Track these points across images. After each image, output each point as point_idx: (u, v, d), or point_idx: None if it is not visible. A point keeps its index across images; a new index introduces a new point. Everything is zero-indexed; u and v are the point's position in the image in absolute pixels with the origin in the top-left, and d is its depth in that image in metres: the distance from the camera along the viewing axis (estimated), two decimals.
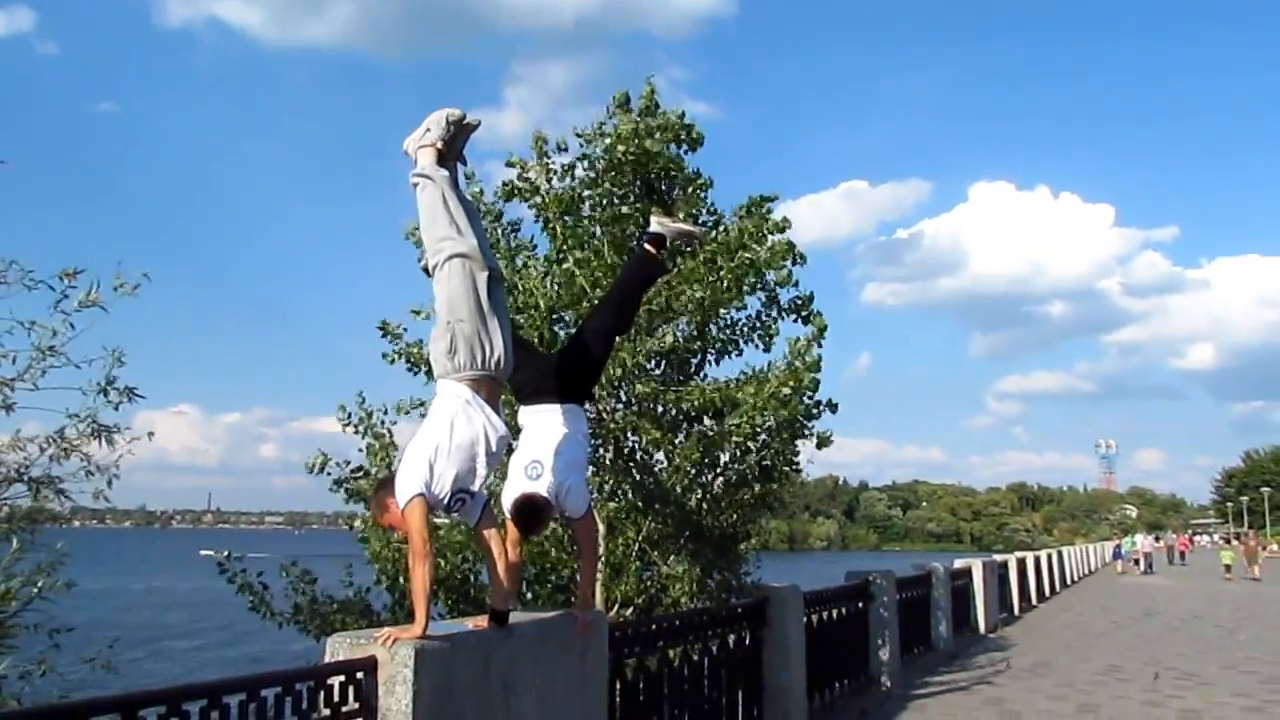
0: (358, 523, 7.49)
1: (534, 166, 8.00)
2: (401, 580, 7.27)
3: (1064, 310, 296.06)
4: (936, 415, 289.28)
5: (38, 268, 5.57)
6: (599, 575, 7.13)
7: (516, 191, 7.97)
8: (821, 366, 7.61)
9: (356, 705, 3.64)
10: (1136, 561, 39.48)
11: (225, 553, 7.42)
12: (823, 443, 7.85)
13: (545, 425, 4.67)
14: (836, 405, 8.13)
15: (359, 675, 3.66)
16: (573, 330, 6.99)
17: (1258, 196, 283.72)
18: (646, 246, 5.06)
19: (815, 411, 7.66)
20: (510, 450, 4.58)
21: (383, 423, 8.03)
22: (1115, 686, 10.46)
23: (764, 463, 7.70)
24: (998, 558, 19.14)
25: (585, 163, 7.76)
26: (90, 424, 5.45)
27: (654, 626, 5.97)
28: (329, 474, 7.86)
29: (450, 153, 4.43)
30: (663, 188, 7.85)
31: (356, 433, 7.96)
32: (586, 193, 7.64)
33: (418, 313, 8.18)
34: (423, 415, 8.16)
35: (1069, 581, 29.44)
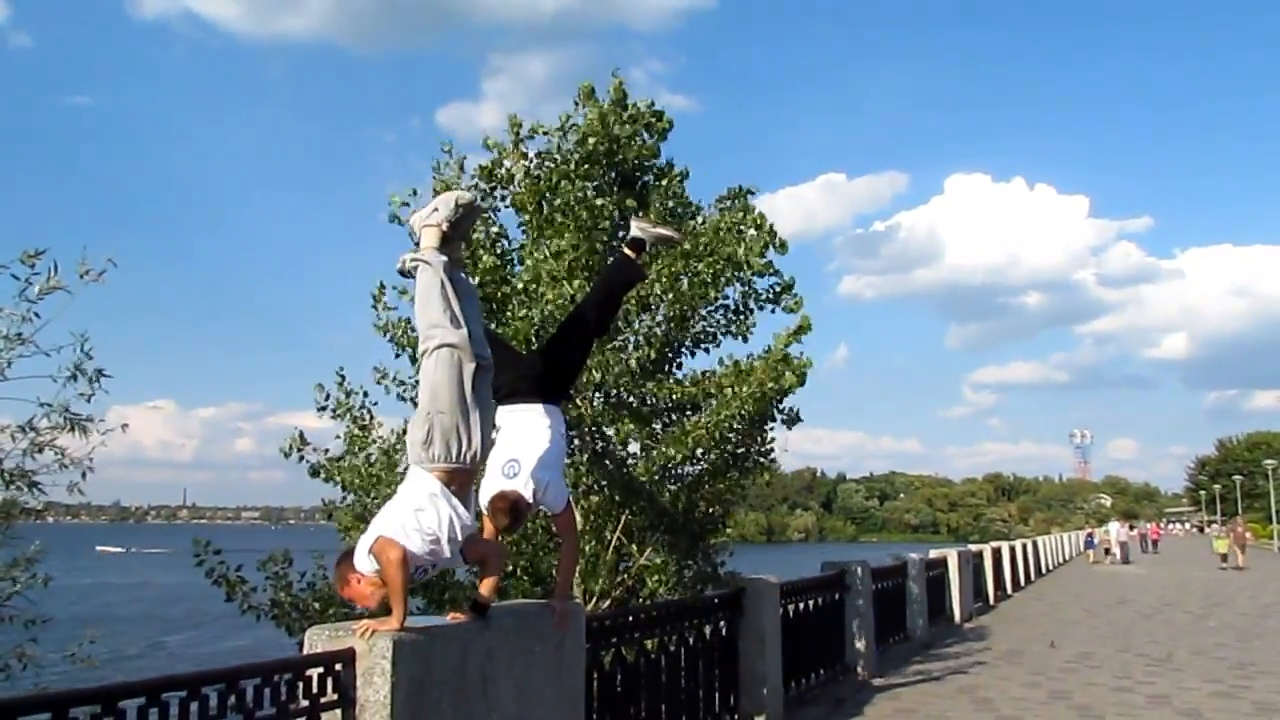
0: (344, 518, 7.45)
1: (510, 154, 7.99)
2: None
3: (1040, 301, 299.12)
4: (913, 407, 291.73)
5: (5, 259, 5.52)
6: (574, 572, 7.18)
7: (494, 178, 7.97)
8: (806, 373, 7.65)
9: (335, 696, 3.68)
10: (1107, 550, 39.01)
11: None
12: (791, 421, 7.89)
13: (523, 424, 4.73)
14: (798, 416, 8.20)
15: (338, 667, 3.70)
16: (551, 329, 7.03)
17: (1230, 186, 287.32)
18: (626, 251, 5.10)
19: (786, 392, 7.66)
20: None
21: (363, 406, 8.00)
22: (1086, 673, 10.63)
23: (737, 450, 7.76)
24: (972, 548, 19.34)
25: (559, 155, 7.74)
26: (62, 413, 5.42)
27: (631, 618, 6.02)
28: (305, 460, 7.87)
29: (455, 234, 4.47)
30: (637, 178, 7.86)
31: (335, 417, 7.95)
32: (563, 183, 7.63)
33: (404, 293, 8.12)
34: (401, 396, 8.23)
35: (1043, 571, 29.76)
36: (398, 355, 8.02)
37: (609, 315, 5.49)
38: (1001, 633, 14.50)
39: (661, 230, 5.11)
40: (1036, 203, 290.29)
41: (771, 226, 7.92)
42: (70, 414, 5.43)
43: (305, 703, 3.59)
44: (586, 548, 6.75)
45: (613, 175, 7.67)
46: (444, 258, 4.32)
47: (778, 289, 8.29)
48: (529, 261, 7.56)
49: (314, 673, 3.64)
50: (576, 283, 7.08)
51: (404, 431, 7.96)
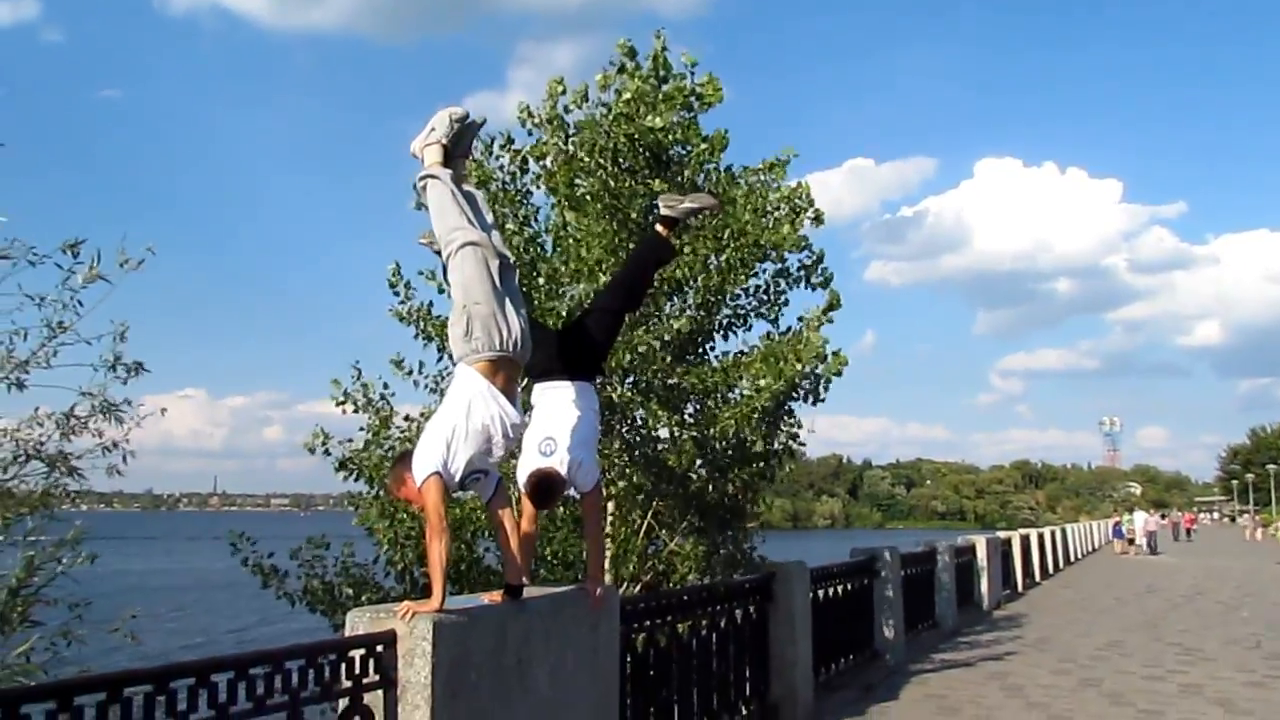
0: (371, 512, 7.50)
1: (544, 122, 7.88)
2: (415, 569, 7.36)
3: (1069, 287, 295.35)
4: (940, 393, 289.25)
5: (44, 250, 5.61)
6: (606, 553, 7.21)
7: (525, 158, 7.90)
8: (843, 369, 7.59)
9: (376, 677, 3.75)
10: (1131, 540, 37.87)
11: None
12: (812, 395, 7.83)
13: (557, 402, 4.76)
14: (820, 392, 8.12)
15: (379, 648, 3.77)
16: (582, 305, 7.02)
17: (1267, 171, 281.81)
18: (658, 229, 5.12)
19: (814, 375, 7.61)
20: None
21: (382, 397, 8.00)
22: (1117, 661, 10.59)
23: (767, 435, 7.75)
24: (1001, 535, 19.25)
25: (588, 139, 7.66)
26: (101, 400, 5.52)
27: (663, 601, 6.07)
28: (329, 453, 7.92)
29: (456, 150, 4.51)
30: (670, 156, 7.77)
31: (356, 411, 7.98)
32: (596, 161, 7.54)
33: (430, 276, 8.12)
34: (429, 388, 8.24)
35: (1071, 559, 29.57)
36: (425, 345, 8.05)
37: (640, 293, 5.51)
38: (1031, 620, 14.45)
39: (690, 204, 5.09)
40: (1068, 187, 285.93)
41: (810, 196, 7.84)
42: (107, 401, 5.53)
43: (348, 683, 3.66)
44: (617, 533, 6.77)
45: (646, 155, 7.61)
46: (449, 171, 4.37)
47: (808, 263, 8.25)
48: (558, 245, 7.56)
49: (356, 654, 3.70)
50: (607, 269, 7.08)
51: (424, 416, 8.02)
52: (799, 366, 7.42)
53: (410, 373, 8.18)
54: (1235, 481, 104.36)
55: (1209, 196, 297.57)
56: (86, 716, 2.81)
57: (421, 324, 7.97)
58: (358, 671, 3.69)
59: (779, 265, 8.23)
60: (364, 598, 7.35)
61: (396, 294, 8.08)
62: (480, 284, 4.18)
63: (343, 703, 3.66)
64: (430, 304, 8.05)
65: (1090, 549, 37.25)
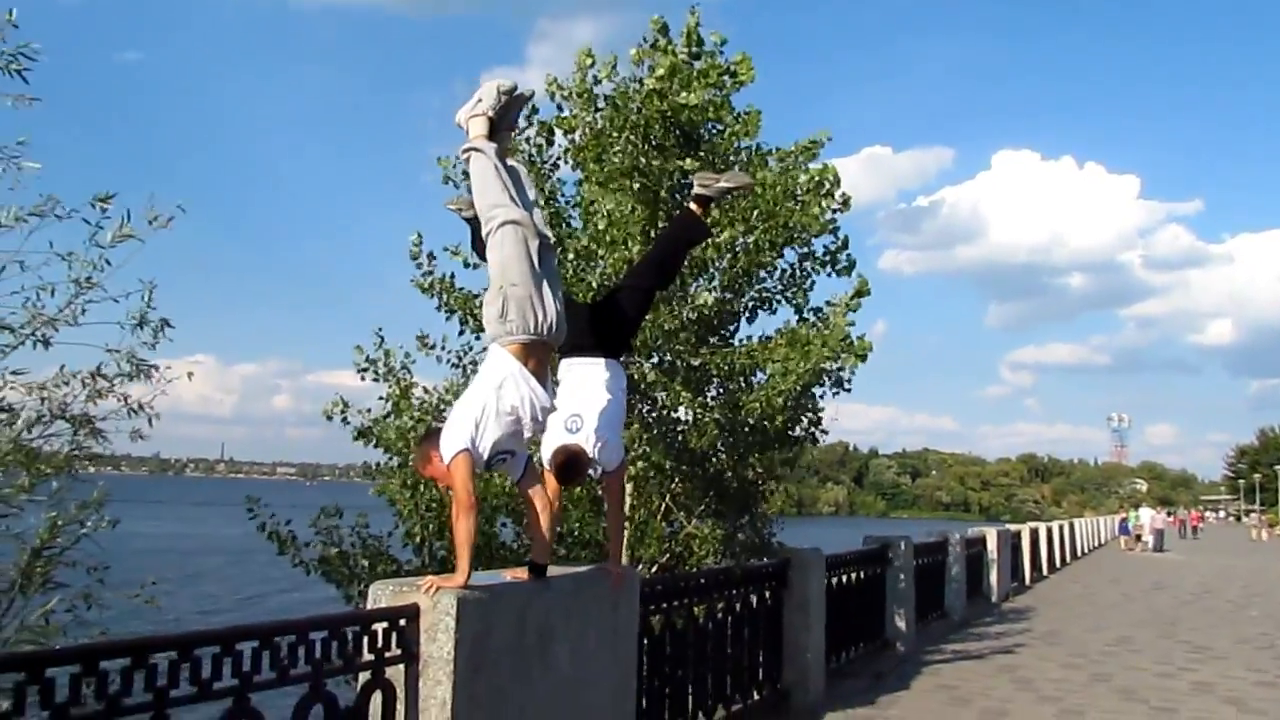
0: (393, 483, 7.44)
1: (575, 99, 7.77)
2: (434, 542, 7.31)
3: (1083, 282, 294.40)
4: (949, 384, 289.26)
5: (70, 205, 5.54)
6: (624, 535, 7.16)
7: (554, 126, 7.78)
8: (868, 354, 7.50)
9: (398, 651, 3.71)
10: (1139, 537, 37.57)
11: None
12: (838, 384, 7.74)
13: (586, 379, 4.70)
14: (846, 382, 8.02)
15: (402, 622, 3.73)
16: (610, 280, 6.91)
17: None
18: (692, 207, 5.04)
19: (840, 359, 7.51)
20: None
21: (404, 367, 7.93)
22: (1127, 658, 10.54)
23: (789, 421, 7.68)
24: (1011, 527, 19.18)
25: (625, 106, 7.53)
26: (129, 359, 5.46)
27: (681, 584, 6.04)
28: (348, 422, 7.87)
29: (502, 124, 4.42)
30: (701, 133, 7.65)
31: (376, 379, 7.91)
32: (626, 137, 7.43)
33: (454, 251, 8.01)
34: (451, 364, 8.17)
35: (1078, 554, 29.50)
36: (447, 317, 7.95)
37: (672, 271, 5.44)
38: (1039, 614, 14.41)
39: (726, 183, 5.01)
40: (1085, 182, 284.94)
41: (838, 178, 7.73)
42: (136, 359, 5.47)
43: (370, 656, 3.62)
44: (635, 515, 6.72)
45: (676, 133, 7.49)
46: (494, 145, 4.30)
47: (833, 248, 8.14)
48: (587, 223, 7.46)
49: (379, 627, 3.66)
50: (635, 247, 7.01)
51: (447, 390, 7.96)
52: (825, 351, 7.33)
53: (433, 347, 8.10)
54: (1242, 481, 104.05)
55: (1226, 195, 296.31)
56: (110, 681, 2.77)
57: (444, 296, 7.89)
58: (380, 645, 3.65)
59: (804, 249, 8.13)
60: (379, 569, 7.32)
61: (419, 265, 8.00)
62: (518, 265, 4.12)
63: (364, 676, 3.63)
64: (452, 275, 7.97)
65: (1096, 544, 37.16)
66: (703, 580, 6.32)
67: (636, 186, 7.23)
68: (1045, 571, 21.64)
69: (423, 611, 3.75)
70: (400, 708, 3.71)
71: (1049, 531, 23.10)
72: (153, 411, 5.71)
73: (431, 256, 8.04)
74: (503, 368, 4.08)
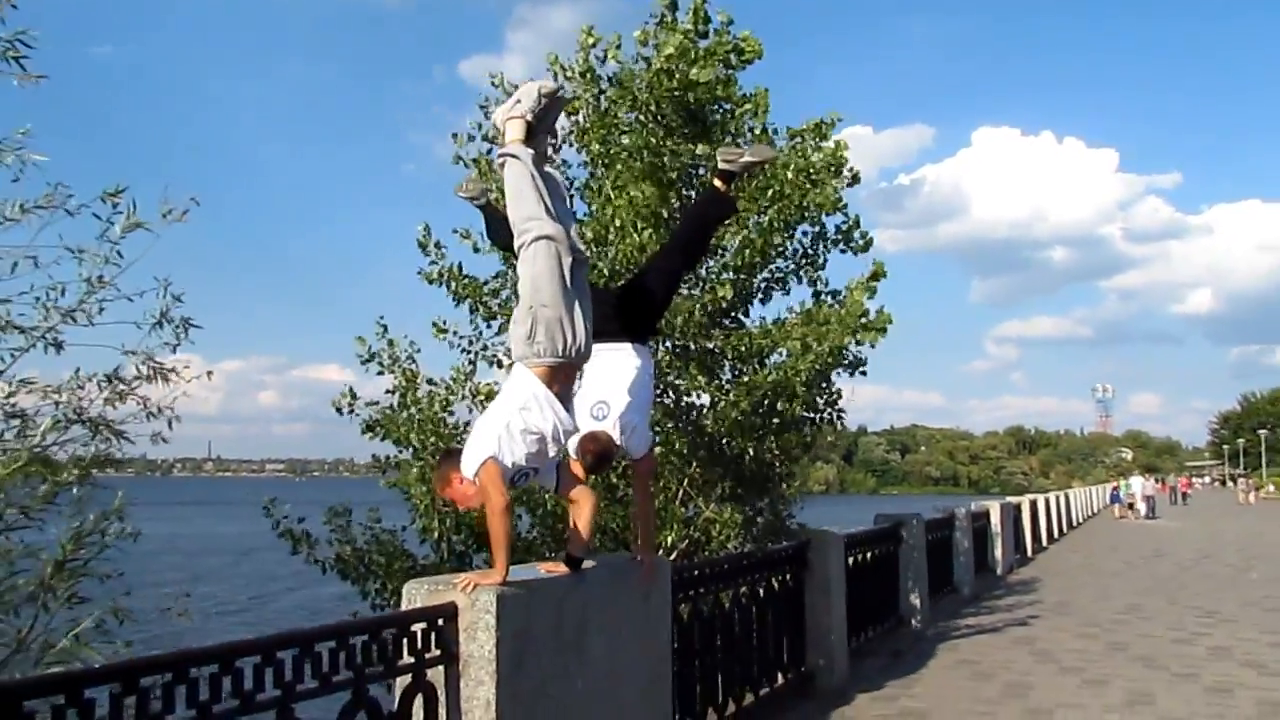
0: (409, 475, 7.28)
1: (577, 75, 7.56)
2: (451, 537, 7.16)
3: (1065, 256, 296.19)
4: (935, 360, 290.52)
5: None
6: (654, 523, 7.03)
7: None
8: (887, 328, 7.38)
9: (438, 652, 3.59)
10: (1131, 506, 37.83)
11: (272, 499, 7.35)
12: (856, 367, 7.63)
13: (611, 365, 4.57)
14: (864, 365, 7.90)
15: (440, 622, 3.60)
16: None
17: (1260, 143, 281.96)
18: (716, 184, 4.90)
19: (859, 335, 7.38)
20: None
21: (410, 357, 7.75)
22: (1140, 625, 10.53)
23: (806, 403, 7.58)
24: (1011, 500, 19.19)
25: (626, 94, 7.37)
26: (146, 361, 5.27)
27: (709, 570, 5.94)
28: (355, 414, 7.70)
29: (540, 127, 4.26)
30: (709, 112, 7.50)
31: (381, 372, 7.73)
32: (633, 119, 7.26)
33: (465, 236, 7.81)
34: (462, 349, 7.98)
35: (1073, 524, 29.63)
36: (457, 304, 7.78)
37: (698, 252, 5.31)
38: (1046, 585, 14.40)
39: (750, 157, 4.86)
40: (1065, 156, 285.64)
41: (845, 156, 7.59)
42: (155, 363, 5.28)
43: (410, 659, 3.49)
44: (654, 500, 6.60)
45: (683, 113, 7.34)
46: (531, 151, 4.14)
47: (845, 227, 8.02)
48: (595, 209, 7.29)
49: (418, 628, 3.54)
50: (647, 232, 6.85)
51: (454, 379, 7.80)
52: (844, 328, 7.21)
53: (446, 332, 7.91)
54: (1226, 447, 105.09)
55: (1204, 167, 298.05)
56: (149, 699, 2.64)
57: (452, 284, 7.72)
58: (420, 646, 3.53)
59: (817, 229, 8.01)
60: (395, 566, 7.19)
61: (427, 254, 7.81)
62: (550, 284, 3.97)
63: (404, 680, 3.51)
64: (460, 264, 7.79)
65: (1090, 514, 37.37)
66: (728, 565, 6.23)
67: (645, 168, 7.07)
68: (1045, 543, 21.71)
69: (461, 610, 3.63)
70: (441, 711, 3.60)
71: (1046, 503, 23.16)
72: (173, 414, 5.53)
73: (439, 245, 7.86)
74: (526, 389, 3.96)
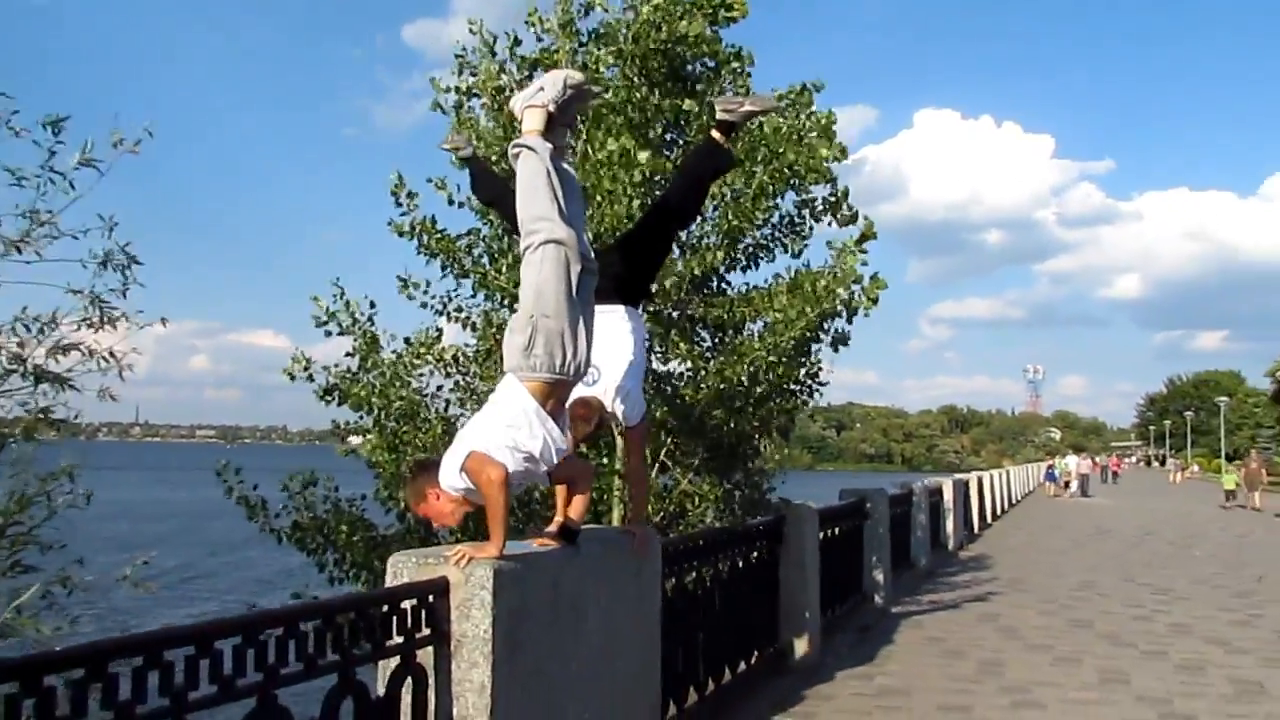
0: (370, 442, 6.88)
1: (557, 28, 7.14)
2: (411, 515, 6.78)
3: (1000, 239, 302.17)
4: (872, 339, 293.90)
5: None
6: (618, 495, 6.76)
7: (536, 61, 7.19)
8: (879, 295, 7.13)
9: (427, 631, 3.28)
10: (1067, 484, 38.50)
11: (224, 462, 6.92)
12: (839, 342, 7.41)
13: (603, 328, 4.27)
14: (847, 337, 7.65)
15: (430, 598, 3.30)
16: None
17: (1190, 132, 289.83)
18: (714, 135, 4.60)
19: (853, 300, 7.13)
20: None
21: (368, 317, 7.30)
22: (1098, 602, 10.57)
23: (789, 373, 7.35)
24: (961, 477, 19.30)
25: (608, 49, 6.99)
26: (94, 303, 4.76)
27: (696, 544, 5.70)
28: (312, 379, 7.27)
29: (562, 119, 3.92)
30: (691, 70, 7.15)
31: (341, 333, 7.29)
32: (615, 75, 6.91)
33: (440, 187, 7.35)
34: (435, 310, 7.57)
35: (1013, 502, 30.09)
36: (427, 261, 7.36)
37: (694, 209, 5.02)
38: (997, 561, 14.48)
39: (750, 107, 4.57)
40: (1003, 141, 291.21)
41: (833, 127, 7.32)
42: (104, 304, 4.79)
43: (399, 639, 3.18)
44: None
45: (665, 69, 6.98)
46: (549, 145, 3.81)
47: (832, 199, 7.76)
48: (573, 166, 6.90)
49: (407, 605, 3.23)
50: (635, 199, 6.49)
51: (408, 343, 7.39)
52: (839, 292, 6.98)
53: (413, 286, 7.50)
54: (1152, 428, 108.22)
55: (1135, 155, 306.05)
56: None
57: (424, 238, 7.29)
58: (409, 625, 3.22)
59: (802, 196, 7.74)
60: (356, 537, 6.82)
61: (399, 205, 7.37)
62: (555, 294, 3.67)
63: (392, 662, 3.19)
64: (433, 218, 7.35)
65: (1026, 492, 38.03)
66: (712, 539, 5.99)
67: (628, 124, 6.73)
68: (989, 520, 21.93)
69: (453, 586, 3.33)
70: (431, 695, 3.30)
71: (991, 481, 23.41)
72: (125, 362, 5.04)
73: (411, 196, 7.42)
74: (516, 405, 3.65)
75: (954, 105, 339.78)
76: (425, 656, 3.29)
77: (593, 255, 3.88)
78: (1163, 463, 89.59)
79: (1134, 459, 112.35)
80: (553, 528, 4.47)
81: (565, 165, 4.00)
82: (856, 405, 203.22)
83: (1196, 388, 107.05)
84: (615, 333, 4.33)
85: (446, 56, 7.49)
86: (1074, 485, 38.29)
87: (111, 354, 4.96)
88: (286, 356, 7.40)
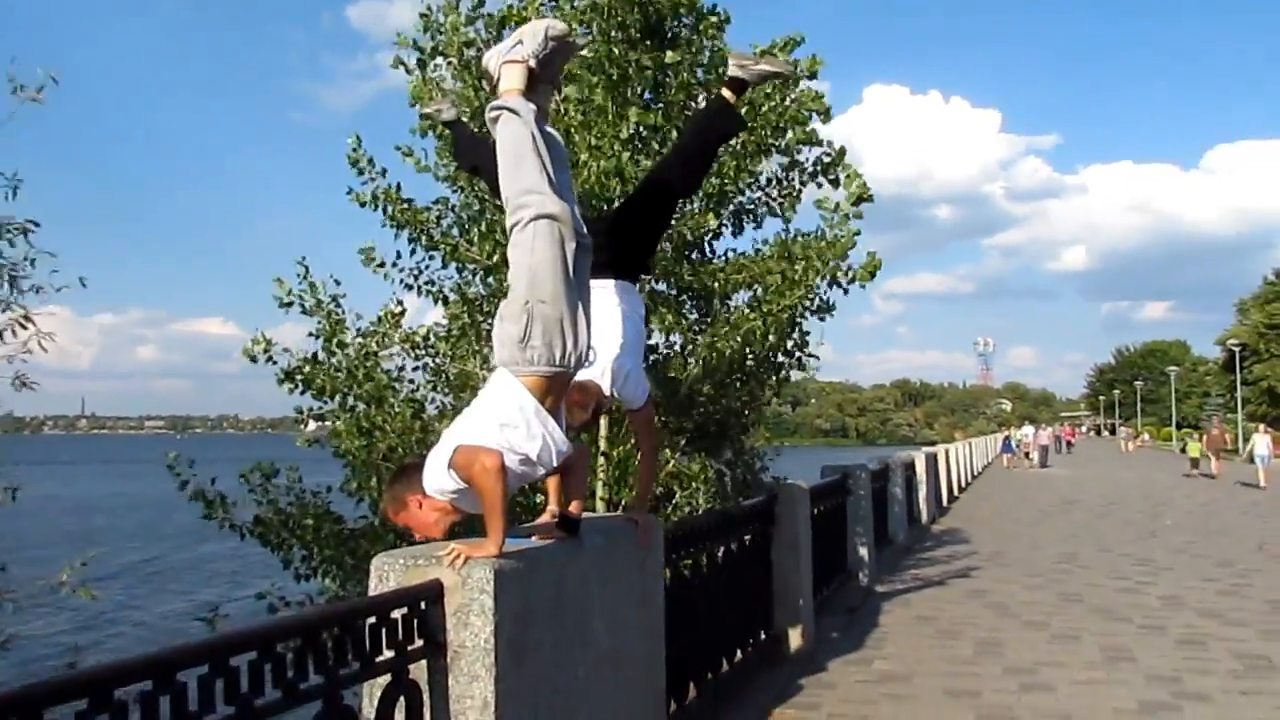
0: (339, 427, 6.37)
1: None
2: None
3: (950, 214, 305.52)
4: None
5: None
6: (602, 477, 6.36)
7: (504, 19, 6.66)
8: (877, 270, 6.76)
9: (421, 643, 2.88)
10: (1027, 454, 39.25)
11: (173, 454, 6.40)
12: (824, 310, 7.04)
13: (598, 305, 3.87)
14: (831, 306, 7.30)
15: (422, 606, 2.89)
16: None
17: (1132, 106, 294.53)
18: (724, 93, 4.17)
19: (849, 272, 6.77)
20: None
21: (333, 298, 6.79)
22: (1082, 574, 10.42)
23: (780, 345, 6.99)
24: (927, 450, 19.18)
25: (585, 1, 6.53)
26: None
27: (697, 528, 5.34)
28: (273, 362, 6.76)
29: (544, 75, 3.47)
30: (667, 26, 6.69)
31: (305, 314, 6.78)
32: (580, 28, 6.45)
33: (408, 154, 6.83)
34: (405, 284, 7.07)
35: (974, 474, 30.18)
36: (395, 235, 6.84)
37: (700, 174, 4.59)
38: (973, 535, 14.34)
39: (766, 67, 4.16)
40: (951, 116, 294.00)
41: (818, 93, 6.92)
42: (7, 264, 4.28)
43: (390, 653, 2.78)
44: (614, 452, 5.93)
45: (642, 24, 6.52)
46: (533, 107, 3.36)
47: (826, 160, 7.37)
48: (560, 127, 6.46)
49: (398, 614, 2.82)
50: (625, 155, 6.03)
51: (379, 321, 6.92)
52: (833, 257, 6.61)
53: (382, 264, 7.00)
54: (1102, 398, 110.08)
55: (1080, 129, 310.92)
56: None
57: (389, 208, 6.77)
58: (400, 637, 2.81)
59: (790, 159, 7.35)
60: (323, 531, 6.35)
61: (360, 173, 6.84)
62: (553, 277, 3.23)
63: (382, 681, 2.78)
64: (399, 186, 6.83)
65: (985, 464, 38.27)
66: (711, 523, 5.63)
67: (605, 80, 6.28)
68: (956, 493, 21.89)
69: (448, 590, 2.92)
70: (427, 714, 2.89)
71: (956, 453, 23.38)
72: (43, 338, 4.52)
73: (372, 163, 6.90)
74: (512, 402, 3.22)
75: (903, 80, 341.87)
76: (419, 671, 2.89)
77: (585, 230, 3.46)
78: (1113, 432, 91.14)
79: (1084, 428, 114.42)
80: (546, 517, 4.10)
81: (550, 129, 3.56)
82: (811, 381, 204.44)
83: (1144, 357, 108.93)
84: (608, 309, 3.93)
85: (388, 35, 7.01)
86: (1034, 456, 38.69)
87: (25, 316, 4.46)
88: (237, 344, 6.91)
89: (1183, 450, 45.79)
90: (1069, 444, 54.49)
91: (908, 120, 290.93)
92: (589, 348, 3.39)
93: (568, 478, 3.61)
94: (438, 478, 3.19)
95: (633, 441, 6.46)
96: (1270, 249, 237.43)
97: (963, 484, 24.72)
